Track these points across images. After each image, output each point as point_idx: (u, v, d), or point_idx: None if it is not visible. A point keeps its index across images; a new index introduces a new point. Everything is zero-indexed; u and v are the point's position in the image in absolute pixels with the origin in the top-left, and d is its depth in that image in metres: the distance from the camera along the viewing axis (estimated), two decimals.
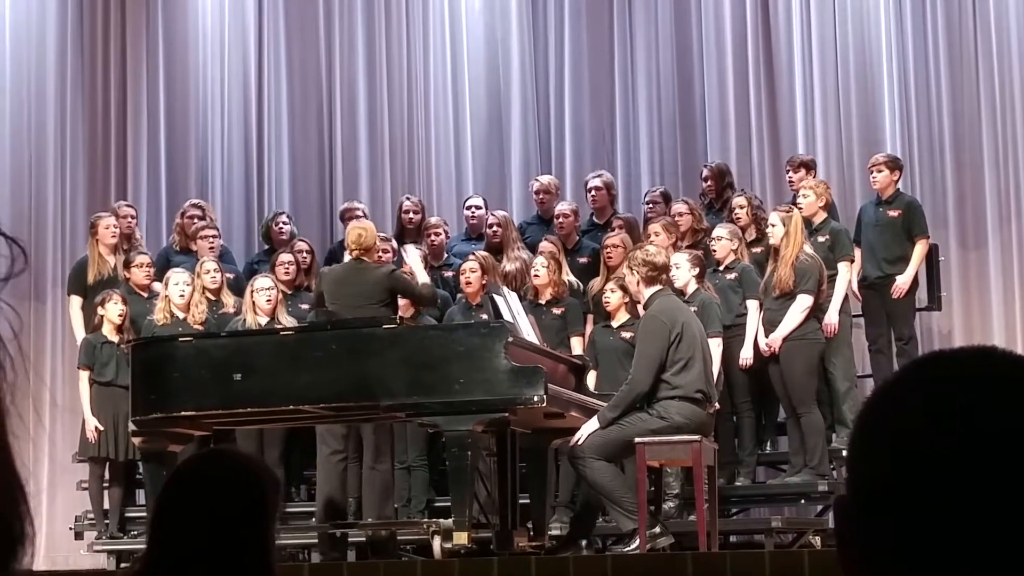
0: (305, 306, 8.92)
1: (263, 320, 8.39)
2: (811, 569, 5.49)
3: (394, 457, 8.35)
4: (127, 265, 9.18)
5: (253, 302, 8.46)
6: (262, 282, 8.57)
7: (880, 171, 8.96)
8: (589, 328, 8.65)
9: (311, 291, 9.23)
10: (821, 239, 8.59)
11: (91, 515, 8.95)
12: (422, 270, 7.95)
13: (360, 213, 9.95)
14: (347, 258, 7.99)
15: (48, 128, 11.25)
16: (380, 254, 8.28)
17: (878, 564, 1.01)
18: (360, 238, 7.73)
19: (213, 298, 8.85)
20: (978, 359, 1.03)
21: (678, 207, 9.15)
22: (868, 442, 1.02)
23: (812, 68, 10.71)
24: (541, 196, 9.91)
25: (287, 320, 8.42)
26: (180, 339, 7.26)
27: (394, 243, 9.29)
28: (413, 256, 8.01)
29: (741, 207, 8.97)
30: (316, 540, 8.29)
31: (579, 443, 6.83)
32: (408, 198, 10.16)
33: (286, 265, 9.15)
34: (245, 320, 8.41)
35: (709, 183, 9.67)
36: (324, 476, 8.05)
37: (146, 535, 2.65)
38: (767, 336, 8.30)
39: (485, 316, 7.83)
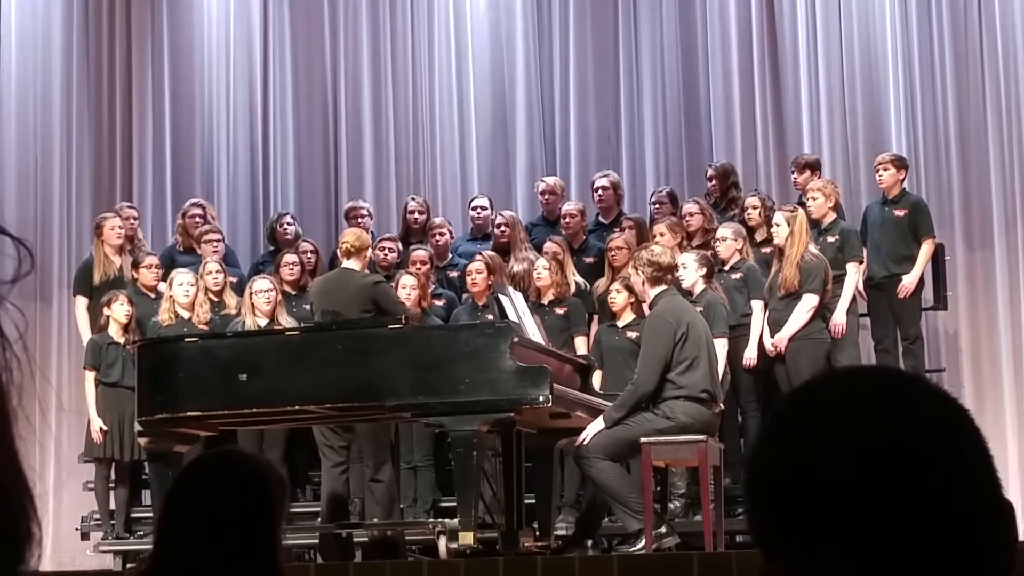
0: (309, 306, 8.92)
1: (262, 322, 8.37)
2: None
3: (397, 462, 8.34)
4: (135, 266, 9.19)
5: (252, 304, 8.45)
6: (261, 284, 8.57)
7: (887, 169, 8.95)
8: (593, 328, 8.65)
9: None
10: (831, 239, 8.57)
11: (97, 516, 8.94)
12: None
13: (365, 212, 9.95)
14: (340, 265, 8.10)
15: (54, 129, 11.25)
16: (378, 252, 8.56)
17: None
18: (357, 238, 8.04)
19: (216, 299, 8.85)
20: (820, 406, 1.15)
21: (689, 207, 9.14)
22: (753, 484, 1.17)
23: (817, 67, 10.69)
24: (546, 197, 9.89)
25: (287, 321, 8.41)
26: (186, 339, 7.24)
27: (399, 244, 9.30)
28: None
29: (754, 207, 8.97)
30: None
31: (585, 443, 6.83)
32: (413, 198, 10.17)
33: (290, 266, 9.15)
34: (244, 322, 8.41)
35: (714, 183, 9.67)
36: (328, 487, 8.09)
37: (152, 535, 2.65)
38: (772, 336, 8.30)
39: (491, 316, 7.83)
